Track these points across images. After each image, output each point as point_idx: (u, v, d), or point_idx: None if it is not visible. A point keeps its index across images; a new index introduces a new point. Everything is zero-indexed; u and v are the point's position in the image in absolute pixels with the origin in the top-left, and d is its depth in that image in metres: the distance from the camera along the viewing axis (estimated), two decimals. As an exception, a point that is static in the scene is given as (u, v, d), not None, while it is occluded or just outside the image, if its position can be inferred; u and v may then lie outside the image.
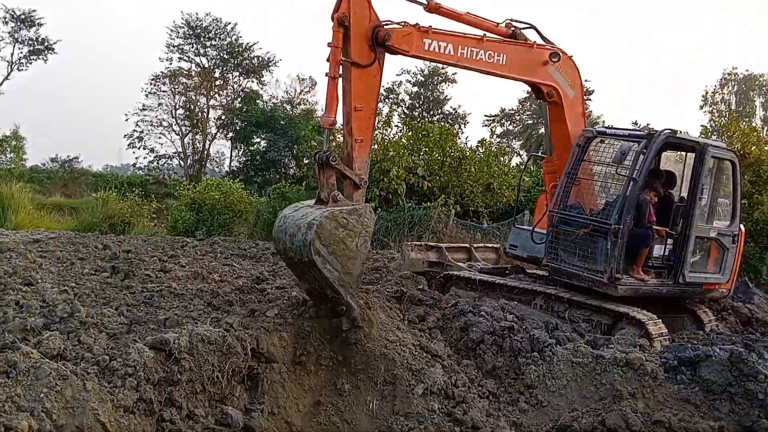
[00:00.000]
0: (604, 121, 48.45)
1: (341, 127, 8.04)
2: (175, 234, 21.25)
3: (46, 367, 5.34)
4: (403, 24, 8.07)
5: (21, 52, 42.81)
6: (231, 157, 45.51)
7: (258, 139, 39.32)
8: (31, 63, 43.34)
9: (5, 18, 41.45)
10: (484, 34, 8.79)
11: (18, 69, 42.91)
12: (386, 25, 7.92)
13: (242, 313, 7.77)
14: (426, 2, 8.65)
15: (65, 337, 6.30)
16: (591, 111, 51.78)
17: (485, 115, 58.95)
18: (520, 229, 10.95)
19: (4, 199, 22.80)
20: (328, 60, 7.62)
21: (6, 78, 42.53)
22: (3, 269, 9.37)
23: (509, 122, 59.31)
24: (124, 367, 5.78)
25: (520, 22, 9.43)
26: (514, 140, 57.26)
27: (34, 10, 42.15)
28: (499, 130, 58.83)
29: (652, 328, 8.22)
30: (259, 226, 21.78)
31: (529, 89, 10.14)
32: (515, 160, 39.72)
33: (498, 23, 9.22)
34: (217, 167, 50.00)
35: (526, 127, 56.96)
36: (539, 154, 11.10)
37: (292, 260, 7.34)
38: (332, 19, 7.56)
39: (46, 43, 43.19)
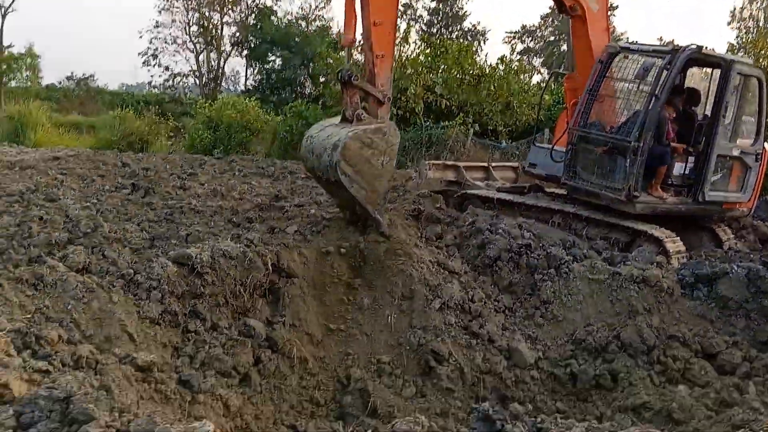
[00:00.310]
0: (627, 37, 47.02)
1: (361, 44, 7.88)
2: (193, 152, 21.31)
3: (73, 280, 5.49)
4: None
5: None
6: (246, 76, 44.86)
7: (273, 57, 38.64)
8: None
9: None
10: None
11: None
12: None
13: (262, 230, 7.87)
14: None
15: (89, 252, 6.45)
16: (615, 26, 50.24)
17: (506, 32, 57.54)
18: (539, 147, 10.81)
19: (23, 117, 22.89)
20: None
21: (18, -6, 41.83)
22: (25, 186, 9.51)
23: (530, 39, 57.69)
24: (149, 280, 5.92)
25: None
26: (535, 57, 55.91)
27: None
28: (519, 47, 57.37)
29: (669, 246, 8.21)
30: (276, 145, 21.75)
31: (552, 4, 9.85)
32: (536, 78, 38.85)
33: None
34: (233, 86, 49.43)
35: (547, 44, 55.45)
36: (561, 71, 10.82)
37: (321, 179, 7.54)
38: None
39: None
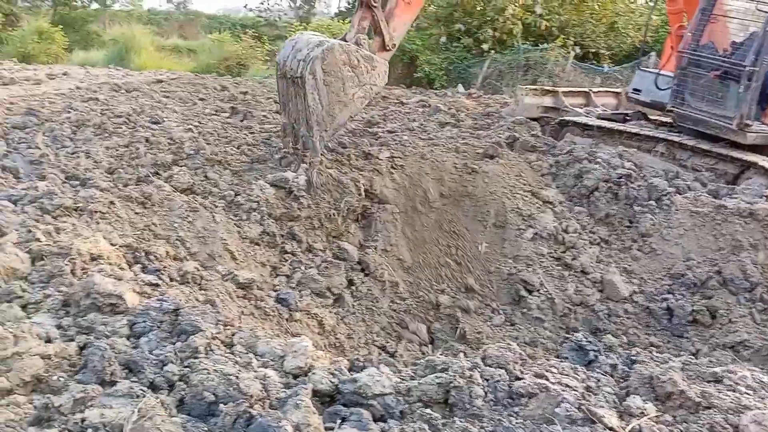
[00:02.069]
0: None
1: None
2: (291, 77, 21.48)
3: (178, 200, 5.78)
4: None
5: None
6: (340, 1, 44.40)
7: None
8: None
9: None
10: None
11: None
12: None
13: (356, 155, 7.94)
14: None
15: (193, 173, 6.72)
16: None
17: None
18: (645, 72, 10.23)
19: (128, 41, 23.68)
20: None
21: None
22: (131, 108, 9.92)
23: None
24: (249, 202, 6.15)
25: None
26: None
27: None
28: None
29: (782, 179, 7.72)
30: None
31: None
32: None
33: None
34: (326, 9, 49.10)
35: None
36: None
37: (285, 77, 6.95)
38: None
39: None
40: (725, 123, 8.06)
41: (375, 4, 6.84)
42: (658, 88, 9.20)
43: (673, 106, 8.72)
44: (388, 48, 7.09)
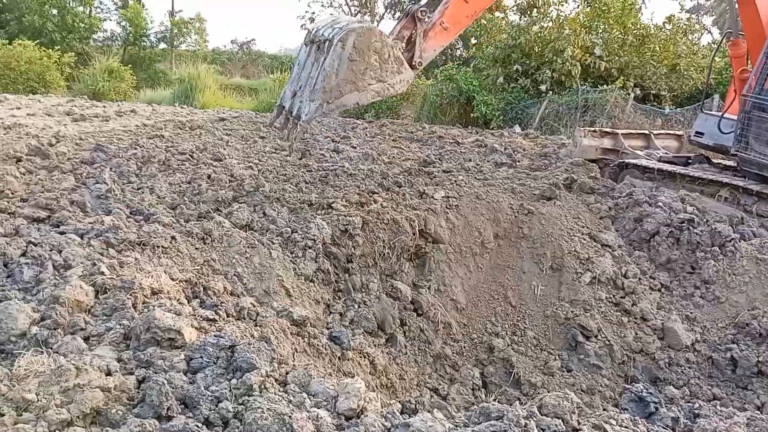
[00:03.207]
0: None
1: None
2: (346, 116, 21.87)
3: (237, 236, 5.89)
4: None
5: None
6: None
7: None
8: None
9: None
10: None
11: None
12: None
13: (411, 194, 7.97)
14: None
15: (252, 210, 6.85)
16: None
17: (674, -12, 53.26)
18: (707, 114, 10.01)
19: (192, 80, 24.56)
20: None
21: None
22: (195, 145, 10.22)
23: (701, -5, 53.29)
24: (305, 239, 6.22)
25: None
26: (705, 15, 51.59)
27: None
28: (688, 4, 53.15)
29: None
30: (425, 109, 21.78)
31: None
32: (706, 38, 35.83)
33: None
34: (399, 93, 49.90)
35: (720, 0, 50.90)
36: (735, 32, 9.82)
37: (312, 42, 6.90)
38: None
39: None
40: None
41: (421, 17, 6.88)
42: (721, 131, 9.00)
43: (737, 151, 8.50)
44: (414, 65, 7.05)
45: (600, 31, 19.06)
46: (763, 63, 8.34)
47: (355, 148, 11.90)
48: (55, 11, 29.91)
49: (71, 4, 30.69)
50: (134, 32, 33.14)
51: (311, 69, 6.76)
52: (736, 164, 8.88)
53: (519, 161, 11.04)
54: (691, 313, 6.45)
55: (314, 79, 6.56)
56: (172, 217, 6.27)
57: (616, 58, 18.61)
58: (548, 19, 19.85)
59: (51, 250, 4.78)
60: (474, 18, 7.70)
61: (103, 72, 24.42)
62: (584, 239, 7.24)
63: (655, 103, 17.83)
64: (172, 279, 4.70)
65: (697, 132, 9.76)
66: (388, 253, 6.62)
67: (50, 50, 24.24)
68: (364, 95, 6.59)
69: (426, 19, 6.90)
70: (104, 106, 16.09)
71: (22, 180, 6.93)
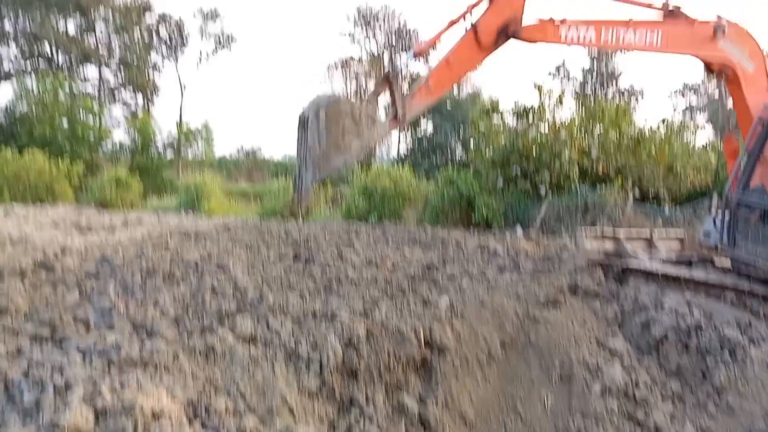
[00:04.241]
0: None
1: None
2: (349, 219, 22.14)
3: (240, 351, 5.82)
4: (537, 20, 8.38)
5: (208, 42, 46.29)
6: (399, 141, 46.44)
7: (425, 124, 39.78)
8: (216, 53, 46.66)
9: (194, 14, 45.23)
10: (631, 19, 8.60)
11: (206, 59, 46.47)
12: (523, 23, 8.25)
13: (415, 302, 7.94)
14: None
15: (255, 321, 6.80)
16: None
17: (667, 90, 55.14)
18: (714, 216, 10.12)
19: (198, 188, 25.04)
20: (460, 15, 8.16)
21: (197, 67, 46.35)
22: (200, 254, 10.30)
23: (693, 94, 55.04)
24: (309, 352, 6.13)
25: None
26: (698, 113, 53.09)
27: (216, 9, 45.53)
28: (681, 105, 54.83)
29: None
30: (427, 212, 22.05)
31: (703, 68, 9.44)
32: (701, 138, 36.68)
33: (652, 3, 8.91)
34: (386, 153, 51.29)
35: (712, 101, 52.55)
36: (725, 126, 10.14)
37: (299, 123, 7.63)
38: None
39: (230, 37, 46.35)
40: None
41: (392, 80, 7.84)
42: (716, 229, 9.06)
43: (725, 249, 8.57)
44: (399, 120, 7.90)
45: (596, 134, 19.57)
46: (744, 161, 8.53)
47: (358, 254, 11.96)
48: (65, 122, 30.90)
49: (81, 115, 31.74)
50: (142, 141, 34.08)
51: (302, 145, 7.65)
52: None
53: (522, 264, 11.06)
54: (704, 423, 6.24)
55: (304, 154, 7.49)
56: (175, 331, 6.22)
57: (613, 159, 19.00)
58: (545, 123, 20.42)
59: (52, 371, 4.72)
60: (455, 82, 8.79)
61: (111, 181, 24.94)
62: (592, 346, 7.13)
63: (655, 203, 18.04)
64: (174, 399, 4.61)
65: (705, 233, 9.82)
66: (393, 364, 6.50)
67: (59, 160, 24.84)
68: (349, 154, 7.50)
69: (392, 79, 7.85)
70: (111, 216, 16.34)
71: (26, 295, 6.94)
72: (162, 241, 11.76)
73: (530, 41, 8.40)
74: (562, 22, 8.40)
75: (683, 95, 54.67)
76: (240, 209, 25.12)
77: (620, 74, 51.53)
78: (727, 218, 8.59)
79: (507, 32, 8.22)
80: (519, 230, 17.49)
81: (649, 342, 7.24)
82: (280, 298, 7.73)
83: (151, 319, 6.50)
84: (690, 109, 54.01)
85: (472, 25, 8.20)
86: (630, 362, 6.98)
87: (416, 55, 8.34)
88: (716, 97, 52.12)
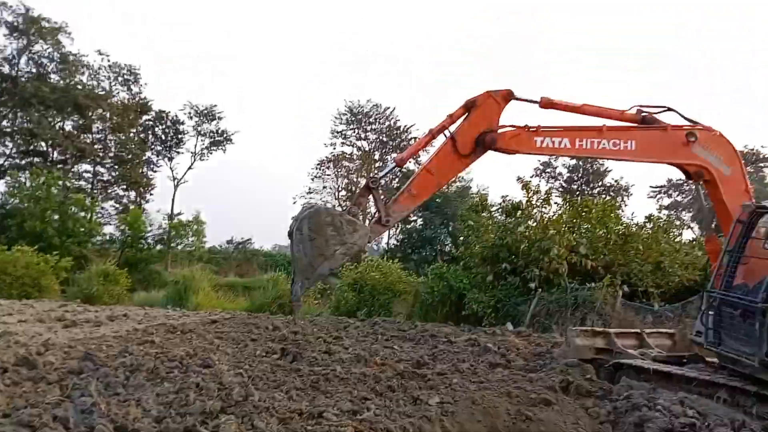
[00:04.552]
0: (788, 190, 44.49)
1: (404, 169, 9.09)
2: (339, 314, 21.96)
3: (224, 453, 5.63)
4: (511, 126, 8.62)
5: (203, 144, 47.17)
6: (389, 235, 46.75)
7: (414, 217, 40.26)
8: (211, 153, 47.52)
9: (190, 113, 46.18)
10: (604, 125, 8.83)
11: (200, 159, 47.24)
12: (499, 129, 8.57)
13: (404, 400, 7.78)
14: (538, 100, 8.87)
15: (240, 421, 6.62)
16: (771, 179, 47.85)
17: (651, 186, 56.27)
18: (701, 313, 10.05)
19: (187, 281, 24.91)
20: (439, 125, 8.52)
21: (190, 167, 46.99)
22: (185, 350, 10.13)
23: (677, 192, 56.09)
24: (294, 453, 5.95)
25: (654, 106, 9.27)
26: (683, 212, 53.90)
27: (215, 105, 46.57)
28: (666, 201, 55.79)
29: None
30: (417, 306, 21.94)
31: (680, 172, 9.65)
32: (687, 235, 37.10)
33: (624, 110, 9.18)
34: (375, 245, 51.54)
35: (696, 198, 53.49)
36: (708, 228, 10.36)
37: (288, 234, 8.05)
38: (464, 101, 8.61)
39: (225, 135, 47.30)
40: (750, 361, 7.79)
41: (373, 186, 8.28)
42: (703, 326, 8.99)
43: (709, 346, 8.52)
44: (383, 223, 8.26)
45: (583, 231, 19.80)
46: (724, 260, 8.60)
47: (347, 349, 11.80)
48: (56, 216, 31.00)
49: (73, 210, 31.89)
50: (133, 235, 34.11)
51: (291, 257, 8.06)
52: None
53: (513, 361, 10.93)
54: None
55: (293, 265, 7.92)
56: (157, 432, 6.04)
57: (602, 256, 19.14)
58: (533, 219, 20.68)
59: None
60: (438, 188, 9.30)
61: (99, 276, 24.79)
62: (587, 447, 6.96)
63: (644, 300, 18.06)
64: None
65: (697, 332, 9.73)
66: (382, 467, 6.30)
67: (48, 255, 24.75)
68: (334, 261, 7.81)
69: (373, 186, 8.26)
70: (96, 311, 16.16)
71: (6, 393, 6.76)
72: (147, 336, 11.58)
73: (508, 152, 8.63)
74: (537, 129, 8.65)
75: (668, 194, 55.70)
76: (228, 303, 24.89)
77: (608, 171, 52.62)
78: (711, 316, 8.60)
79: (484, 143, 8.51)
80: (509, 325, 17.37)
81: (643, 442, 7.06)
82: (266, 397, 7.56)
83: (133, 419, 6.32)
84: (675, 205, 54.92)
85: (450, 133, 8.54)
86: (625, 464, 6.79)
87: (397, 165, 8.89)
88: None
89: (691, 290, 17.76)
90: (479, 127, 8.54)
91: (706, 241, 10.02)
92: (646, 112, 9.17)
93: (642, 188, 77.75)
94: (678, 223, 34.84)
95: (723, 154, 9.10)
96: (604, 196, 43.17)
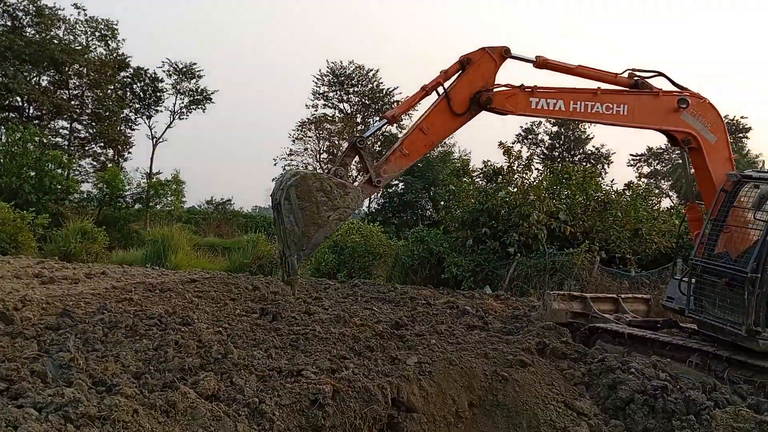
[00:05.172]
0: (764, 161, 45.05)
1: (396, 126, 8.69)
2: (319, 276, 22.00)
3: (202, 408, 5.66)
4: (506, 85, 8.43)
5: (182, 102, 46.46)
6: (370, 199, 46.73)
7: (396, 181, 40.25)
8: (191, 112, 46.86)
9: (169, 71, 45.35)
10: (599, 87, 8.77)
11: (179, 118, 46.58)
12: (495, 88, 8.35)
13: (383, 360, 7.85)
14: (534, 59, 8.71)
15: (219, 378, 6.65)
16: (749, 150, 48.35)
17: (631, 155, 56.69)
18: (677, 280, 10.15)
19: (165, 240, 24.73)
20: (433, 81, 8.24)
21: (168, 126, 46.36)
22: (164, 308, 10.10)
23: (657, 161, 56.60)
24: (272, 410, 5.99)
25: (645, 70, 9.20)
26: (662, 180, 54.46)
27: (194, 63, 45.76)
28: (646, 169, 56.27)
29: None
30: (397, 269, 22.04)
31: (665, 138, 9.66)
32: (665, 203, 37.55)
33: (618, 73, 9.09)
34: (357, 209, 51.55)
35: (675, 166, 54.09)
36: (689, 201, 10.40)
37: (272, 205, 7.78)
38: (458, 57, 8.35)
39: (204, 94, 46.58)
40: (736, 329, 8.00)
41: (361, 146, 7.85)
42: (682, 293, 9.16)
43: (690, 314, 8.68)
44: (374, 184, 7.98)
45: (563, 197, 19.91)
46: (709, 229, 8.73)
47: (326, 309, 11.85)
48: (33, 173, 30.50)
49: (50, 167, 31.37)
50: (111, 193, 33.71)
51: (280, 228, 7.63)
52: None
53: (491, 324, 11.06)
54: (673, 486, 6.22)
55: (285, 238, 7.44)
56: (136, 387, 6.04)
57: (581, 222, 19.29)
58: (513, 185, 20.75)
59: (6, 427, 4.53)
60: (431, 148, 8.82)
61: (76, 233, 24.52)
62: (559, 407, 7.09)
63: (621, 266, 18.29)
64: (131, 457, 4.45)
65: (668, 297, 9.90)
66: (359, 424, 6.37)
67: (24, 212, 24.41)
68: (329, 228, 7.48)
69: (360, 145, 7.84)
70: (74, 268, 16.02)
71: (-18, 348, 6.72)
72: (126, 294, 11.53)
73: (501, 112, 8.47)
74: (533, 90, 8.53)
75: (647, 163, 56.14)
76: (208, 263, 24.80)
77: (590, 138, 52.84)
78: (693, 284, 8.72)
79: (479, 102, 8.30)
80: (488, 289, 17.54)
81: (616, 403, 7.22)
82: (245, 355, 7.59)
83: (111, 374, 6.32)
84: (654, 174, 55.42)
85: (444, 91, 8.29)
86: (597, 424, 6.94)
87: (389, 122, 8.44)
88: (680, 161, 53.79)
89: (668, 257, 18.00)
90: (474, 86, 8.32)
91: (688, 209, 10.07)
92: (638, 76, 9.09)
93: (622, 156, 78.30)
94: (657, 191, 35.14)
95: (710, 122, 9.12)
96: (585, 163, 43.34)
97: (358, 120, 48.01)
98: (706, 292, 8.61)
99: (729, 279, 8.22)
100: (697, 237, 9.28)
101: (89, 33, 42.62)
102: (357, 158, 8.04)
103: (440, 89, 8.33)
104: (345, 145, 47.04)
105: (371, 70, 47.59)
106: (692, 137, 9.08)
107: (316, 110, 47.77)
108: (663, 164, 56.16)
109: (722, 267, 8.40)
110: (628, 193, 21.19)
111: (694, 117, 9.05)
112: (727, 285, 8.25)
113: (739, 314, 8.00)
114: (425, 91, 8.26)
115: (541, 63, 8.73)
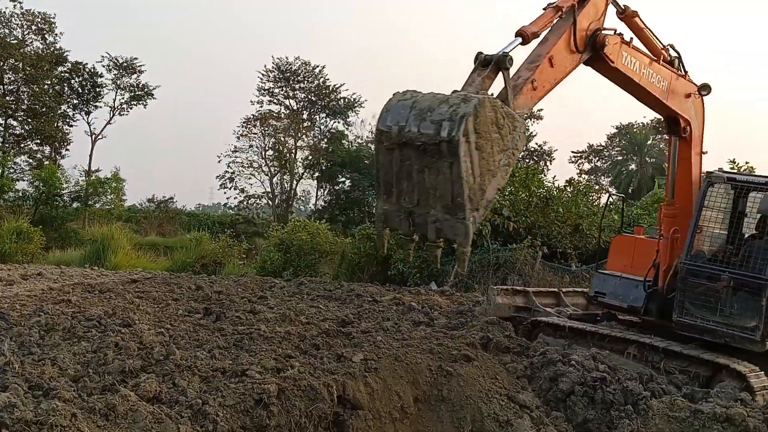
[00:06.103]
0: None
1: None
2: (264, 274, 21.79)
3: (143, 411, 5.56)
4: (613, 30, 7.53)
5: (122, 98, 45.19)
6: (317, 196, 46.57)
7: (343, 179, 40.23)
8: (131, 108, 45.62)
9: (109, 66, 44.09)
10: (651, 59, 8.22)
11: (119, 114, 45.28)
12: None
13: (329, 358, 7.85)
14: (623, 8, 8.01)
15: (161, 380, 6.53)
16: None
17: (572, 152, 57.97)
18: (605, 275, 10.15)
19: (105, 240, 24.10)
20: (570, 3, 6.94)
21: (108, 122, 45.05)
22: (103, 310, 9.86)
23: (597, 158, 58.06)
24: (216, 410, 5.93)
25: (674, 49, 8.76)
26: (602, 177, 55.91)
27: (135, 58, 44.61)
28: (586, 166, 57.65)
29: (754, 381, 7.69)
30: (343, 267, 22.02)
31: (662, 121, 9.45)
32: (604, 199, 38.58)
33: (664, 45, 8.58)
34: (303, 206, 51.22)
35: (615, 163, 55.60)
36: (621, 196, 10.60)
37: (404, 146, 5.43)
38: None
39: (146, 89, 45.45)
40: (746, 334, 8.01)
41: (509, 66, 6.00)
42: (645, 292, 9.20)
43: (679, 317, 8.60)
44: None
45: (507, 193, 20.23)
46: (692, 231, 8.79)
47: (272, 308, 11.74)
48: (-36, 172, 29.34)
49: (-18, 165, 30.23)
50: (47, 191, 32.62)
51: (426, 178, 5.43)
52: (639, 321, 9.27)
53: (436, 319, 11.16)
54: (611, 474, 6.41)
55: (445, 192, 5.34)
56: (74, 391, 5.88)
57: (524, 218, 19.65)
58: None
59: (-68, 436, 4.36)
60: (554, 86, 6.93)
61: (11, 233, 23.66)
62: (502, 401, 7.23)
63: (562, 261, 18.71)
64: (69, 463, 4.34)
65: (597, 292, 9.94)
66: (304, 422, 6.36)
67: (-44, 211, 23.48)
68: (501, 177, 5.63)
69: (510, 65, 6.03)
70: (9, 269, 15.47)
71: None
72: (63, 295, 11.19)
73: (605, 59, 7.42)
74: (630, 43, 7.79)
75: (588, 159, 57.52)
76: (149, 262, 24.26)
77: (533, 135, 53.75)
78: (679, 286, 8.67)
79: (596, 41, 7.25)
80: (434, 285, 17.70)
81: (557, 395, 7.42)
82: (188, 356, 7.47)
83: (48, 378, 6.13)
84: (595, 170, 56.83)
85: (573, 17, 7.00)
86: (539, 416, 7.11)
87: (524, 40, 6.46)
88: (619, 158, 55.35)
89: (607, 252, 18.47)
90: (592, 21, 7.25)
91: (666, 205, 9.59)
92: (674, 53, 8.67)
93: (564, 153, 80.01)
94: (597, 187, 36.08)
95: (699, 113, 9.14)
96: (527, 160, 44.13)
97: (305, 116, 47.62)
98: (692, 294, 8.54)
99: (735, 284, 8.15)
100: (673, 235, 9.00)
101: (25, 26, 41.08)
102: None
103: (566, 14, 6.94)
104: (291, 142, 46.78)
105: (317, 67, 47.24)
106: (690, 126, 8.95)
107: (261, 106, 47.16)
108: (603, 161, 57.66)
109: (722, 271, 8.31)
110: (569, 190, 21.68)
111: (694, 105, 8.99)
112: (730, 289, 8.18)
113: (748, 319, 8.01)
114: (558, 10, 6.85)
115: (630, 15, 8.03)
